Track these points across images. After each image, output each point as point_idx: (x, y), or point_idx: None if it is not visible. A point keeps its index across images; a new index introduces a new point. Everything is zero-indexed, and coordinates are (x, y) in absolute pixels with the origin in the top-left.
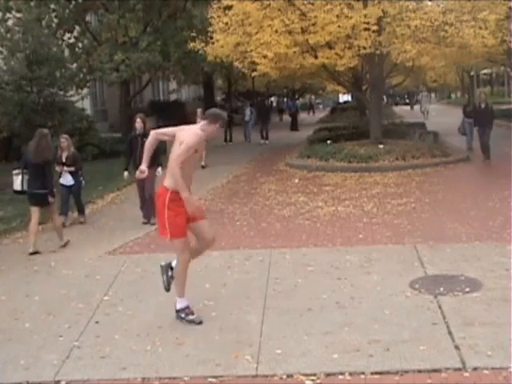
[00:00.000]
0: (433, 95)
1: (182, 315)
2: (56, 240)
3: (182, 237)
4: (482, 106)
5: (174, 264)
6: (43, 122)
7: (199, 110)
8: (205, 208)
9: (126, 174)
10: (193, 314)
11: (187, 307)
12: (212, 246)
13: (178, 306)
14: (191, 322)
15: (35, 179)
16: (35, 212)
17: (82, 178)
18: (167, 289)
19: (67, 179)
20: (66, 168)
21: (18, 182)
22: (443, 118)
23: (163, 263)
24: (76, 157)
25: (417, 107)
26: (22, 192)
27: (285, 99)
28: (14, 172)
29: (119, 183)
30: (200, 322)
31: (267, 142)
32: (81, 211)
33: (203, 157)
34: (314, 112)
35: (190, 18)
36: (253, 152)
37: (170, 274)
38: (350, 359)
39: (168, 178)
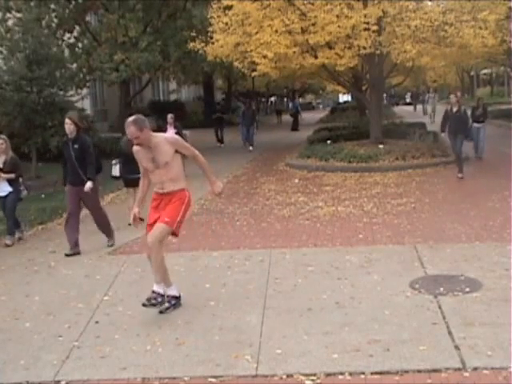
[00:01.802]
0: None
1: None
2: (56, 240)
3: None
4: (454, 109)
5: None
6: (43, 121)
7: (169, 116)
8: (205, 208)
9: (66, 189)
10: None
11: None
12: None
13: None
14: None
15: (129, 166)
16: (131, 193)
17: (22, 188)
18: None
19: (3, 188)
20: (3, 175)
21: (116, 169)
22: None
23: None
24: (15, 162)
25: (419, 107)
26: (118, 177)
27: (285, 99)
28: (113, 162)
29: (119, 183)
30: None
31: (251, 148)
32: (12, 227)
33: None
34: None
35: (189, 18)
36: (252, 152)
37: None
38: (350, 359)
39: (179, 181)
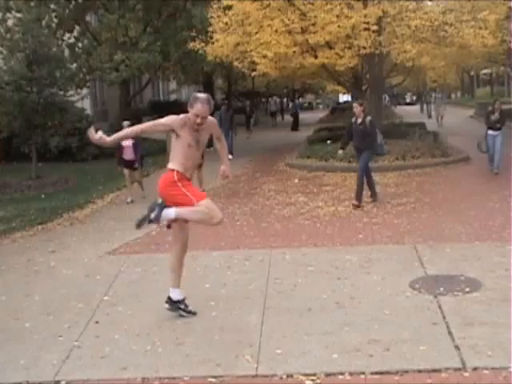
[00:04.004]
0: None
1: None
2: (56, 240)
3: (207, 198)
4: (359, 121)
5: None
6: (43, 121)
7: (125, 123)
8: None
9: None
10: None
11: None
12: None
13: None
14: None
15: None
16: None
17: None
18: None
19: None
20: None
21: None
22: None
23: None
24: None
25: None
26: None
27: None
28: None
29: (119, 183)
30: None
31: (231, 156)
32: None
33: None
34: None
35: (189, 18)
36: (253, 153)
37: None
38: (350, 359)
39: (171, 161)
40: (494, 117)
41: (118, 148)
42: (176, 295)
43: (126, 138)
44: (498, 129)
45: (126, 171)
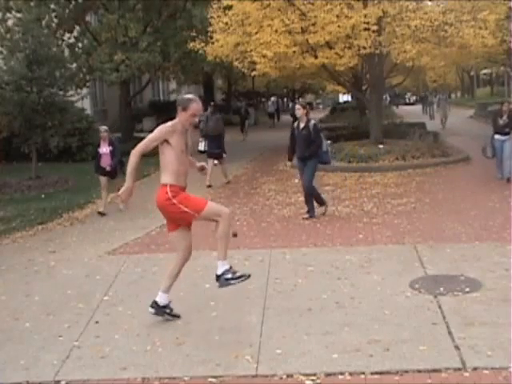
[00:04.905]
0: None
1: (229, 276)
2: (56, 240)
3: (205, 204)
4: (301, 125)
5: (220, 271)
6: (43, 121)
7: (103, 129)
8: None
9: None
10: (236, 272)
11: (230, 267)
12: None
13: (220, 270)
14: (241, 278)
15: (212, 143)
16: (211, 163)
17: None
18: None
19: None
20: None
21: (202, 145)
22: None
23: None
24: None
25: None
26: (203, 152)
27: (285, 99)
28: (200, 139)
29: (119, 183)
30: (249, 276)
31: (216, 162)
32: None
33: (225, 173)
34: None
35: (189, 18)
36: (253, 152)
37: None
38: (350, 359)
39: (162, 173)
40: (502, 121)
41: (96, 155)
42: (164, 300)
43: (134, 168)
44: (507, 133)
45: (102, 179)
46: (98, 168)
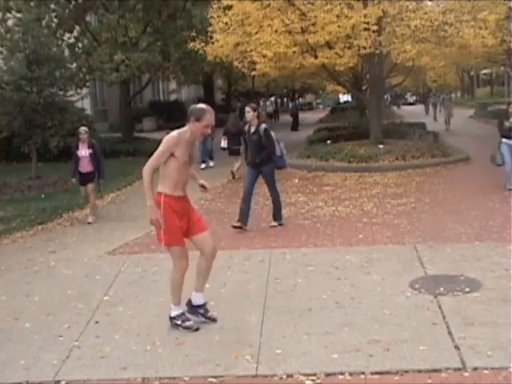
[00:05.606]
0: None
1: (178, 322)
2: (56, 240)
3: (177, 244)
4: (252, 129)
5: (195, 301)
6: (43, 121)
7: (83, 130)
8: (205, 208)
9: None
10: (189, 320)
11: (183, 314)
12: (215, 256)
13: (173, 314)
14: (187, 328)
15: (233, 140)
16: (236, 159)
17: None
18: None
19: None
20: None
21: (224, 143)
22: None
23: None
24: None
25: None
26: (225, 148)
27: (284, 99)
28: (223, 137)
29: (119, 183)
30: (197, 329)
31: (212, 163)
32: None
33: (236, 167)
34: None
35: (189, 18)
36: None
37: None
38: (350, 359)
39: (161, 182)
40: (509, 123)
41: (75, 158)
42: (198, 300)
43: (150, 186)
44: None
45: (81, 189)
46: (74, 172)
